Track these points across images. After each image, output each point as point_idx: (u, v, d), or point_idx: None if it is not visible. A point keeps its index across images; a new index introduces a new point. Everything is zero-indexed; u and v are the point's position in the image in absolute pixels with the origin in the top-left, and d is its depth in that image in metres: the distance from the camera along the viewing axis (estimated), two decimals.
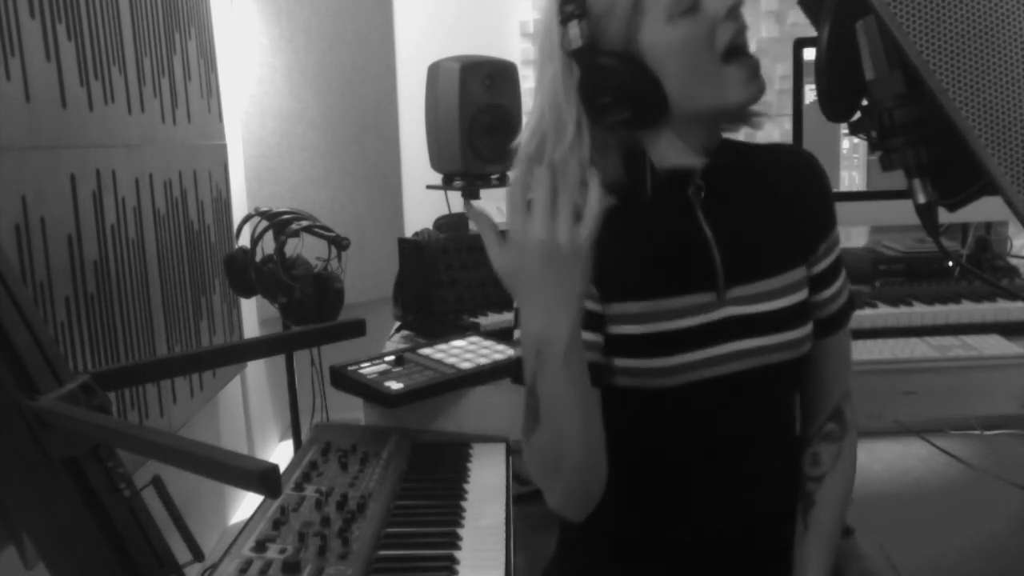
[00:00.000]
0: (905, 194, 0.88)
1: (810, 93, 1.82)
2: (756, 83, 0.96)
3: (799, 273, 1.05)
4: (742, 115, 1.02)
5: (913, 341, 1.55)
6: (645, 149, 0.99)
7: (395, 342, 1.71)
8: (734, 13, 0.94)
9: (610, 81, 0.94)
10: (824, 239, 1.07)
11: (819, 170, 1.09)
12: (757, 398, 1.03)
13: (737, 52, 0.94)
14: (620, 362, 1.01)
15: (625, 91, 0.94)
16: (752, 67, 0.96)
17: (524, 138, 1.03)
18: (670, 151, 0.99)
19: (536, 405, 0.89)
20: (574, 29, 0.94)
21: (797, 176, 1.08)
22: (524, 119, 2.25)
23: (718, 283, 1.01)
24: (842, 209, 1.13)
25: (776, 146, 1.12)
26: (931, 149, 0.85)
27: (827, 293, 1.09)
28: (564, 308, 0.84)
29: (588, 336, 0.99)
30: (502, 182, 2.29)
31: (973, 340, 1.54)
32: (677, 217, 1.02)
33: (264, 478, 0.63)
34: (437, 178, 2.31)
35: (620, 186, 0.99)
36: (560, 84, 0.97)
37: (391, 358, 1.48)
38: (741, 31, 0.95)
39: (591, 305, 1.00)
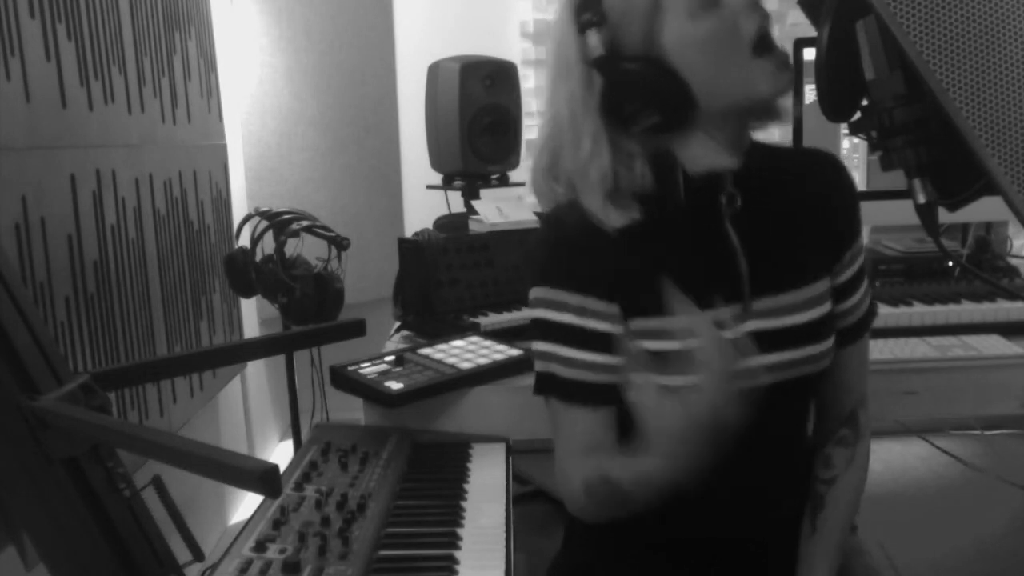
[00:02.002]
0: (905, 194, 0.88)
1: (810, 93, 1.82)
2: (785, 74, 0.94)
3: (824, 284, 1.03)
4: (770, 109, 0.99)
5: (913, 341, 1.55)
6: (675, 154, 0.97)
7: (395, 342, 1.71)
8: (755, 3, 0.92)
9: (637, 86, 0.92)
10: (850, 247, 1.06)
11: (846, 175, 1.07)
12: (775, 411, 1.01)
13: (764, 44, 0.93)
14: (642, 379, 0.99)
15: (653, 95, 0.92)
16: (781, 58, 0.94)
17: (537, 151, 1.02)
18: (702, 153, 0.97)
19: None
20: (593, 38, 0.92)
21: (824, 182, 1.06)
22: (524, 119, 2.28)
23: (744, 296, 0.99)
24: None
25: (803, 150, 1.10)
26: (931, 149, 0.85)
27: (850, 303, 1.07)
28: (717, 446, 0.83)
29: (607, 359, 0.98)
30: (502, 182, 2.29)
31: (973, 340, 1.54)
32: (704, 228, 1.00)
33: (264, 478, 0.63)
34: (437, 178, 2.32)
35: (648, 196, 0.97)
36: (579, 96, 0.95)
37: (391, 358, 1.48)
38: (765, 20, 0.93)
39: (609, 326, 0.98)
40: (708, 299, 0.97)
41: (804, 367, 1.01)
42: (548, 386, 1.02)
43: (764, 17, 0.93)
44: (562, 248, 1.01)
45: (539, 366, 1.03)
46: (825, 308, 1.03)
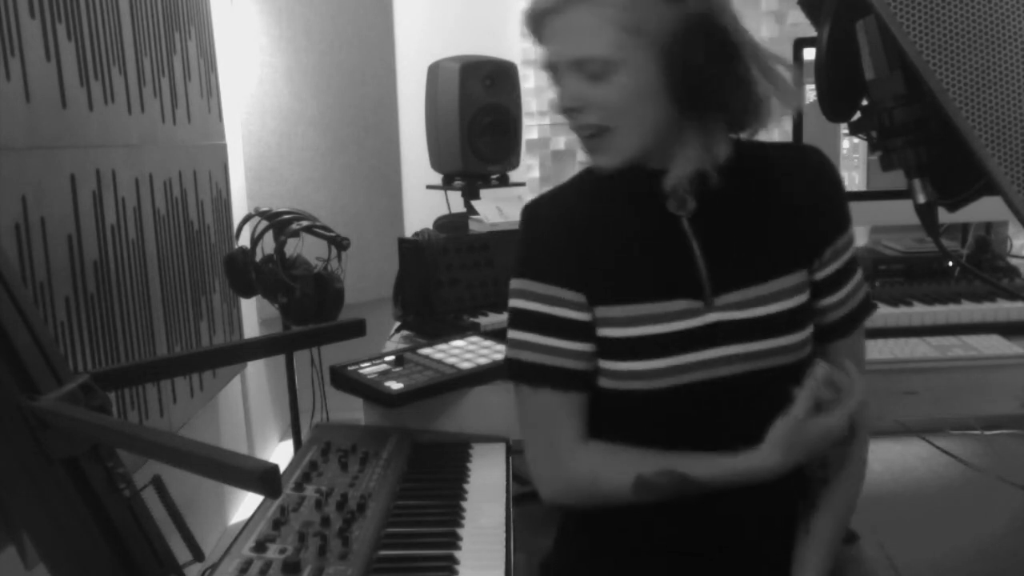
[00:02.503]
0: (905, 194, 0.88)
1: (810, 93, 1.81)
2: (602, 157, 1.00)
3: (798, 277, 1.03)
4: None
5: (913, 341, 1.55)
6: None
7: (395, 342, 1.71)
8: (569, 111, 0.99)
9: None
10: (831, 243, 1.05)
11: (829, 170, 1.06)
12: (753, 402, 1.02)
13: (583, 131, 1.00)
14: (610, 365, 1.03)
15: None
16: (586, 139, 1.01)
17: None
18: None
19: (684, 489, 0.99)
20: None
21: (805, 177, 1.05)
22: (524, 119, 2.28)
23: (704, 291, 1.01)
24: None
25: (785, 145, 1.10)
26: (931, 149, 0.85)
27: (835, 298, 1.07)
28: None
29: (573, 346, 1.03)
30: (502, 182, 2.29)
31: (973, 340, 1.54)
32: (663, 226, 1.03)
33: (264, 478, 0.63)
34: (437, 178, 2.32)
35: (612, 179, 1.02)
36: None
37: (391, 358, 1.48)
38: (577, 120, 0.99)
39: (576, 315, 1.03)
40: (669, 291, 1.01)
41: (776, 358, 1.02)
42: (517, 372, 1.06)
43: (577, 120, 0.99)
44: (534, 241, 1.06)
45: (509, 353, 1.07)
46: (797, 300, 1.03)
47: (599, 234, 1.03)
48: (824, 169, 1.06)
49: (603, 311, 1.02)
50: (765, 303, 1.01)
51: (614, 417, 1.05)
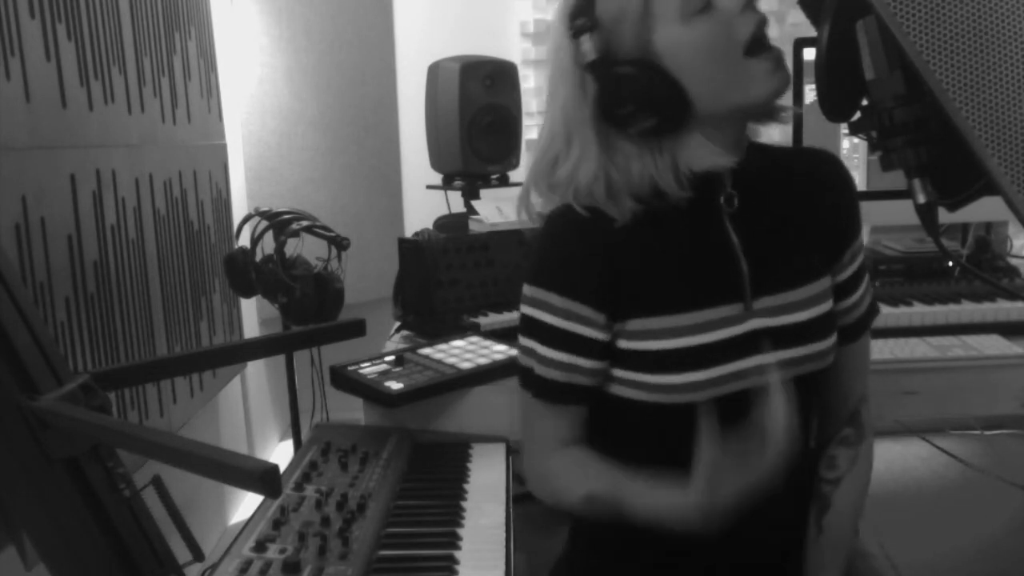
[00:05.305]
0: (905, 194, 0.88)
1: (810, 93, 1.82)
2: (780, 74, 0.93)
3: (825, 283, 1.04)
4: (769, 110, 0.99)
5: (913, 341, 1.55)
6: (674, 155, 0.97)
7: (395, 342, 1.71)
8: (751, 6, 0.91)
9: (629, 90, 0.92)
10: (850, 245, 1.06)
11: (845, 173, 1.07)
12: None
13: (759, 45, 0.92)
14: (644, 378, 0.99)
15: (647, 98, 0.92)
16: (775, 58, 0.93)
17: (533, 160, 1.02)
18: (700, 154, 0.97)
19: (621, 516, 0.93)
20: (587, 43, 0.92)
21: (824, 180, 1.06)
22: (524, 119, 2.28)
23: (745, 294, 0.99)
24: None
25: (802, 149, 1.10)
26: (931, 149, 0.85)
27: (850, 300, 1.08)
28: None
29: (585, 363, 1.00)
30: (502, 182, 2.29)
31: (973, 340, 1.54)
32: (703, 227, 1.00)
33: (264, 478, 0.63)
34: (437, 178, 2.32)
35: (647, 197, 0.98)
36: (572, 101, 0.95)
37: (391, 358, 1.48)
38: (761, 23, 0.92)
39: (592, 332, 0.99)
40: (709, 298, 0.98)
41: (810, 364, 1.01)
42: (527, 381, 1.03)
43: (760, 20, 0.92)
44: (556, 249, 1.02)
45: (521, 360, 1.04)
46: (827, 305, 1.03)
47: (632, 243, 0.98)
48: (840, 172, 1.07)
49: (639, 323, 0.98)
50: (800, 309, 1.01)
51: (632, 427, 1.04)
